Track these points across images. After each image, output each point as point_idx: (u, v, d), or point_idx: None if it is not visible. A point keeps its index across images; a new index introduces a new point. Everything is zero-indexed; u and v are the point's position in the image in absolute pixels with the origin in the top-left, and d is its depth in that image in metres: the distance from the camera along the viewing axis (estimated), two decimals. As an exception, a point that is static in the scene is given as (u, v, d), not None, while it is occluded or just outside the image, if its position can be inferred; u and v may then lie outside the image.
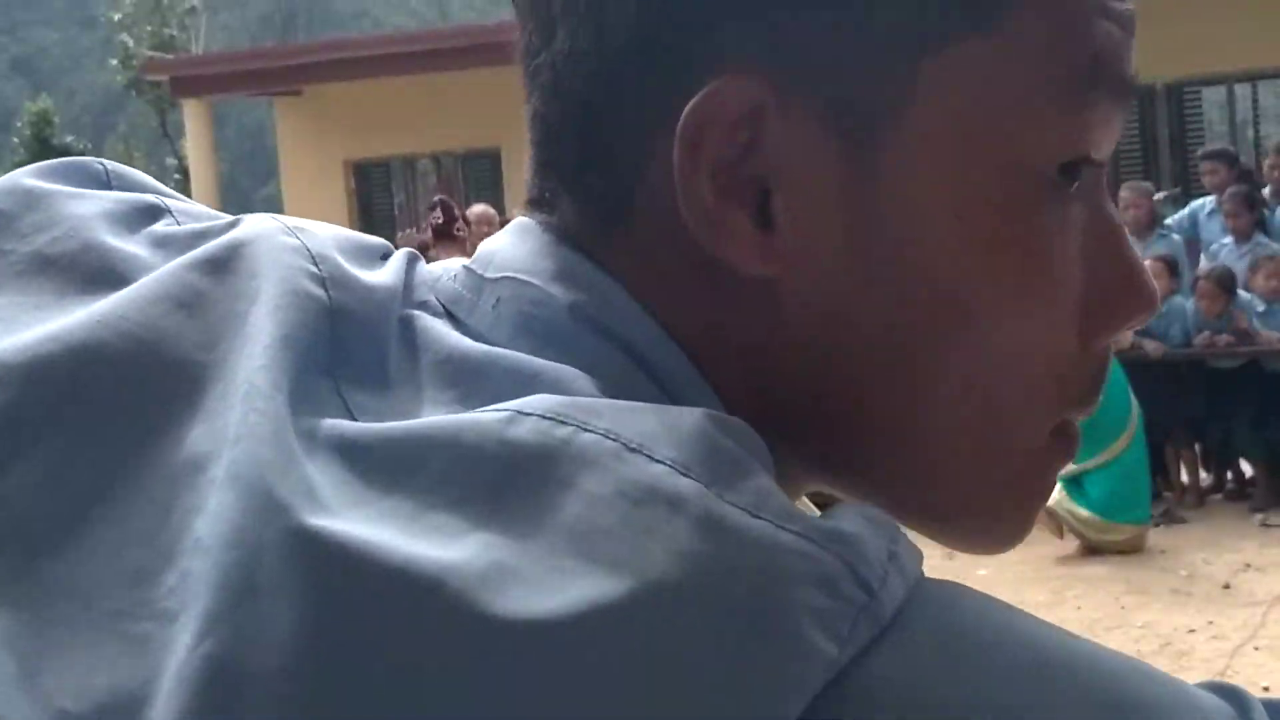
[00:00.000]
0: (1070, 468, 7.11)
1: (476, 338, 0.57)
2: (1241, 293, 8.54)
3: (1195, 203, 9.64)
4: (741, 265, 0.57)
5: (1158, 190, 9.88)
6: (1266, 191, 9.32)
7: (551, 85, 0.60)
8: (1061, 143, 0.58)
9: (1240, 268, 8.67)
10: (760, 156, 0.56)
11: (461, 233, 8.36)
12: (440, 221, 8.42)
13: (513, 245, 0.62)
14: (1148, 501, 8.03)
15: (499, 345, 0.56)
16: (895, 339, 0.58)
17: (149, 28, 46.33)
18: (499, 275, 0.60)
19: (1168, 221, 9.41)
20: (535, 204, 0.63)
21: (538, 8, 0.61)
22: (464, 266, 0.62)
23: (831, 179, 0.57)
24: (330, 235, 0.61)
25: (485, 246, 0.63)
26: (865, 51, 0.56)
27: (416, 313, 0.58)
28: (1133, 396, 7.77)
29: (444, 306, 0.60)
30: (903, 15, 0.56)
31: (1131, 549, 7.72)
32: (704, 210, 0.56)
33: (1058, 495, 7.85)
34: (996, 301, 0.57)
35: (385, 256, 0.63)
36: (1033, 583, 7.39)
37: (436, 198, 9.86)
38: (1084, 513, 7.74)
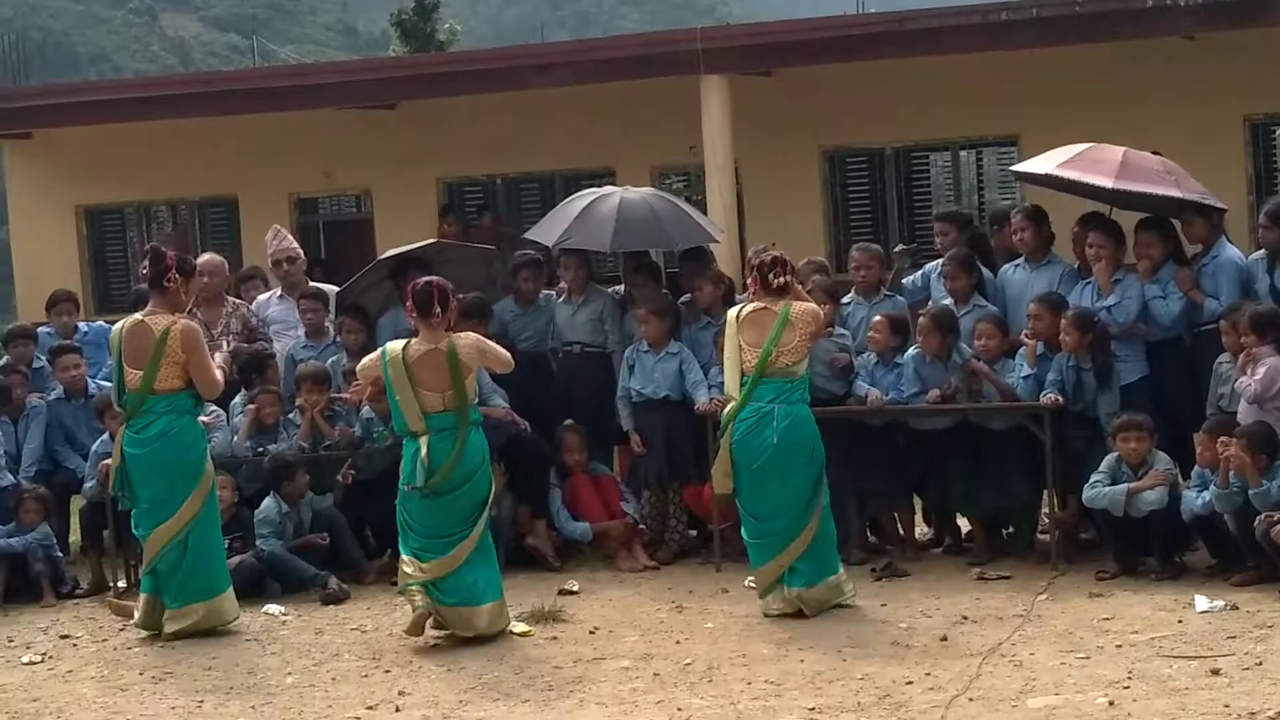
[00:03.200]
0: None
1: None
2: (964, 347, 8.75)
3: (929, 264, 9.77)
4: None
5: (887, 252, 10.02)
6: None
7: None
8: None
9: (963, 327, 8.90)
10: None
11: (172, 283, 8.00)
12: (148, 271, 8.11)
13: None
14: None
15: None
16: None
17: None
18: None
19: (904, 282, 9.61)
20: None
21: None
22: None
23: None
24: None
25: None
26: None
27: None
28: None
29: None
30: None
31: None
32: None
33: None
34: None
35: None
36: (758, 636, 7.50)
37: (148, 246, 9.51)
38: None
